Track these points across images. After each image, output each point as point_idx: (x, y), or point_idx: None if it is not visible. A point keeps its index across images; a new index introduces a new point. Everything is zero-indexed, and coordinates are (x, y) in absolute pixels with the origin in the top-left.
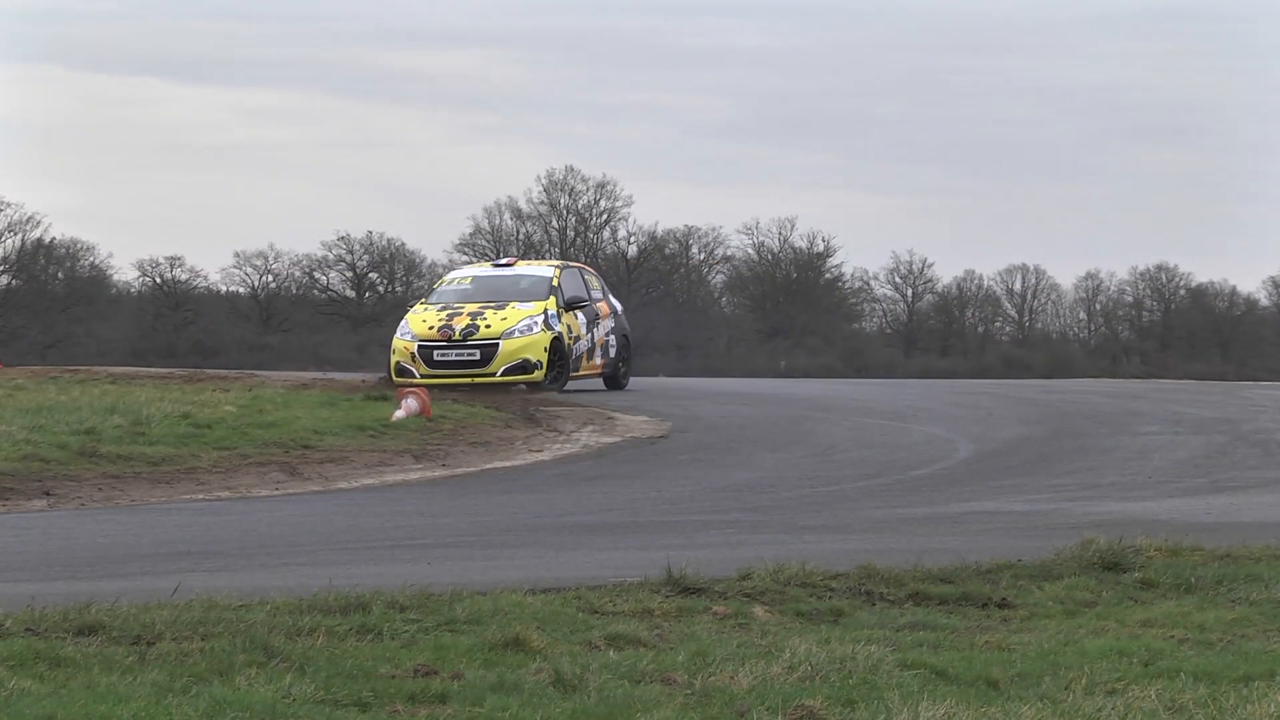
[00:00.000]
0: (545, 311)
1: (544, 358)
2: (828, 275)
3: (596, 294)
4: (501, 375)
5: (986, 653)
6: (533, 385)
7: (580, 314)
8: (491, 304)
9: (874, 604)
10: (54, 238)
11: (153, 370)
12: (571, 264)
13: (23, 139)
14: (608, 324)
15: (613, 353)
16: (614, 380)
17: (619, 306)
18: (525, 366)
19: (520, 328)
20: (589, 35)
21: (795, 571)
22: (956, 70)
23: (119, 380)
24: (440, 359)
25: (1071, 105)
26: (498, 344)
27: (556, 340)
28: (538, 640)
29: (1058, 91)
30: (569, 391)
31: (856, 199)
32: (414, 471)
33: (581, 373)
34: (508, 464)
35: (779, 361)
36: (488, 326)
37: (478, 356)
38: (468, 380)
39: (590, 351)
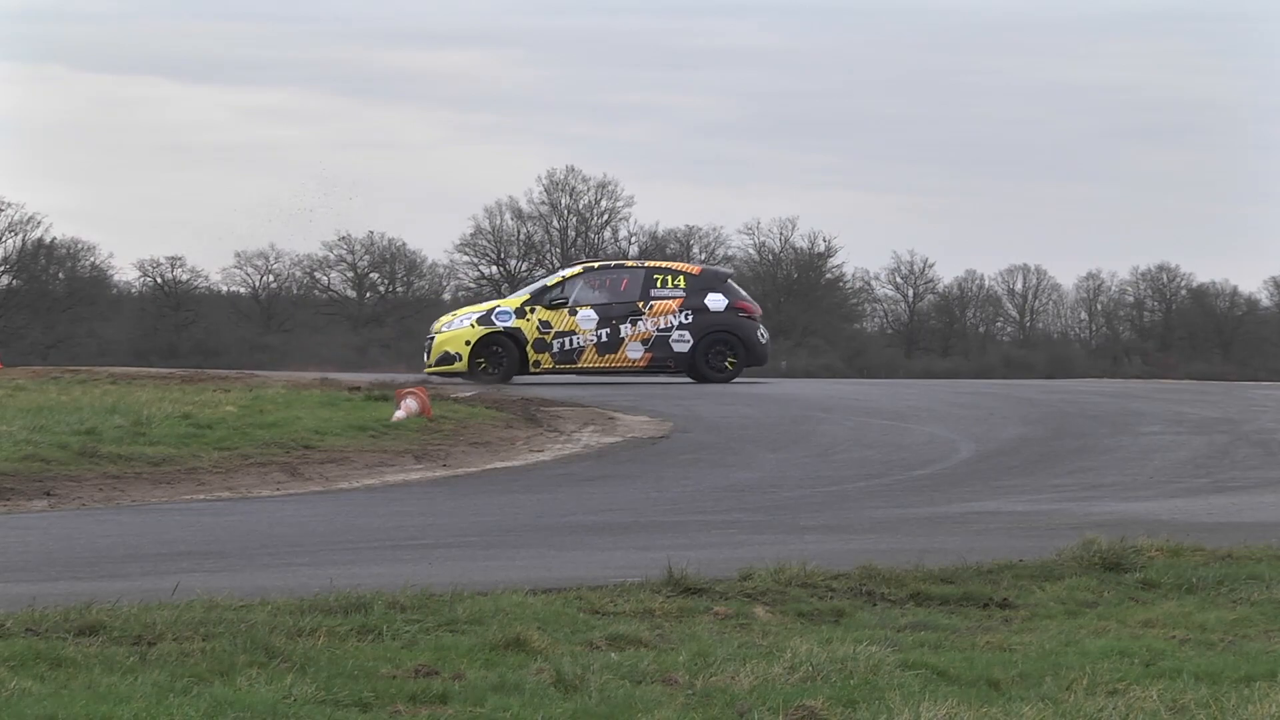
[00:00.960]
0: (493, 309)
1: (464, 351)
2: (829, 275)
3: (662, 292)
4: (435, 365)
5: (988, 653)
6: (454, 374)
7: (588, 311)
8: (479, 301)
9: (875, 604)
10: (54, 238)
11: (154, 370)
12: (628, 263)
13: (23, 139)
14: (664, 320)
15: (679, 347)
16: (697, 373)
17: (718, 305)
18: (446, 359)
19: (454, 323)
20: (589, 35)
21: (796, 572)
22: (957, 70)
23: (120, 380)
24: (425, 351)
25: (1071, 105)
26: (433, 338)
27: (498, 335)
28: (539, 640)
29: (1058, 91)
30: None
31: (857, 199)
32: (415, 472)
33: (583, 365)
34: (508, 464)
35: (780, 362)
36: (437, 321)
37: (426, 349)
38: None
39: (604, 345)
